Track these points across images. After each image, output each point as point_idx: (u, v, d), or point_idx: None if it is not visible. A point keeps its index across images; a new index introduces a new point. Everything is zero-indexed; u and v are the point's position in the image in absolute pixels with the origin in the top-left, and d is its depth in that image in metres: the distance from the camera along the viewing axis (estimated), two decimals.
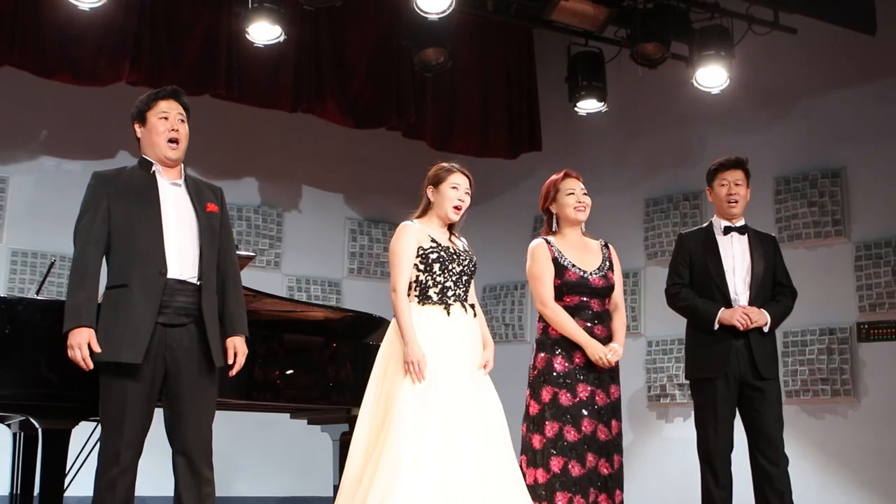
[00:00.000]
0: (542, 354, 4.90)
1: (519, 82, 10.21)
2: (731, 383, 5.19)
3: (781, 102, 9.00)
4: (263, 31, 7.72)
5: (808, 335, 8.42)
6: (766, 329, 5.24)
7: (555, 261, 4.94)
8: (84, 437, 4.56)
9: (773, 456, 5.15)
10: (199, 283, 4.14)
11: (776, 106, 9.03)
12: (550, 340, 4.89)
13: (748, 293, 5.28)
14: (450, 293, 4.49)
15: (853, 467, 8.12)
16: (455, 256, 4.54)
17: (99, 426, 4.56)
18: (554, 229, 5.10)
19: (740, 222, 5.44)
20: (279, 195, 10.10)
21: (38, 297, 4.73)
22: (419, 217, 4.67)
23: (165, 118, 4.23)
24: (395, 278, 4.49)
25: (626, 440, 9.12)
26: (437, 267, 4.49)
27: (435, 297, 4.49)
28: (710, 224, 5.51)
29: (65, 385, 4.16)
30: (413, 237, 4.53)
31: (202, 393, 4.14)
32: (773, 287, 5.39)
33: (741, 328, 5.16)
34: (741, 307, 5.21)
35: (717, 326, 5.21)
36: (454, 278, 4.52)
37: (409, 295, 4.50)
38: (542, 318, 4.98)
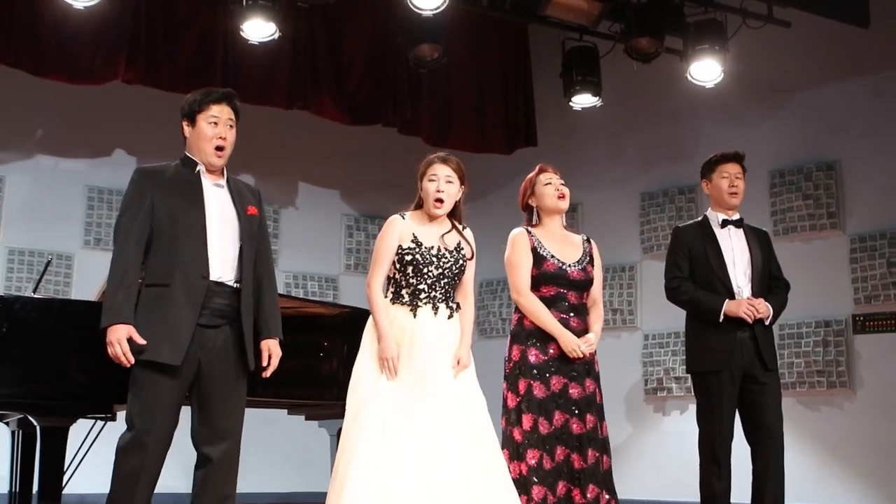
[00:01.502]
0: (517, 346, 4.87)
1: (514, 78, 10.22)
2: (736, 376, 5.18)
3: (776, 96, 9.02)
4: (258, 29, 7.72)
5: (803, 327, 8.45)
6: (768, 321, 5.26)
7: (534, 250, 4.90)
8: (82, 435, 4.57)
9: (773, 449, 5.16)
10: (235, 286, 4.15)
11: (771, 99, 9.05)
12: (525, 332, 4.86)
13: (750, 286, 5.29)
14: (422, 296, 4.43)
15: (849, 458, 8.14)
16: (435, 258, 4.46)
17: (96, 423, 4.58)
18: (535, 222, 5.06)
19: (736, 216, 5.45)
20: (275, 192, 10.11)
21: (35, 296, 4.74)
22: (414, 210, 4.61)
23: (215, 124, 4.21)
24: (371, 274, 4.47)
25: (622, 434, 9.24)
26: (410, 269, 4.43)
27: (406, 298, 4.44)
28: (706, 217, 5.51)
29: (62, 383, 4.18)
30: (395, 234, 4.47)
31: (233, 395, 4.15)
32: (769, 280, 5.41)
33: (749, 320, 5.16)
34: (747, 299, 5.21)
35: (722, 318, 5.21)
36: (429, 281, 4.44)
37: (386, 291, 4.49)
38: (517, 310, 4.94)
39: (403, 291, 4.44)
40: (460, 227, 4.61)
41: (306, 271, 10.28)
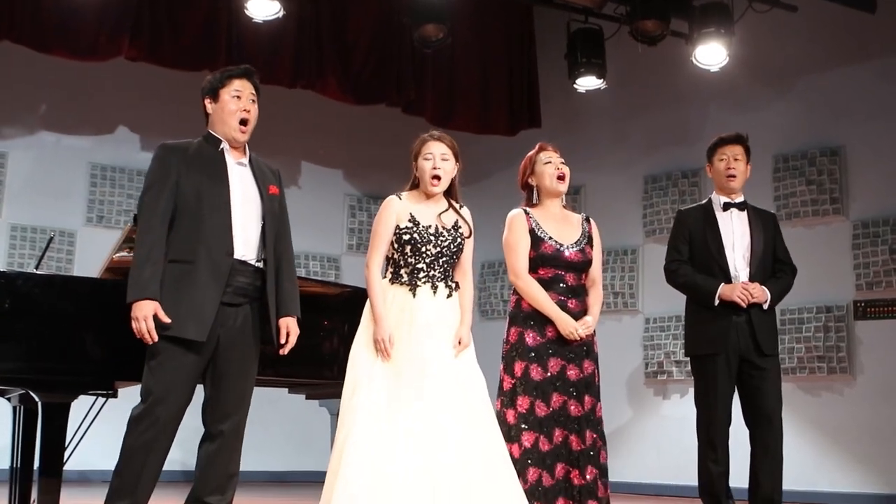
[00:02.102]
0: (515, 328, 4.85)
1: (518, 59, 10.20)
2: (732, 360, 5.19)
3: (781, 80, 9.00)
4: (263, 7, 7.71)
5: (805, 313, 8.45)
6: (765, 306, 5.25)
7: (531, 232, 4.87)
8: (84, 411, 4.58)
9: (771, 434, 5.17)
10: (257, 265, 4.16)
11: (776, 84, 9.02)
12: (523, 314, 4.84)
13: (748, 269, 5.27)
14: (421, 275, 4.41)
15: (849, 444, 8.17)
16: (433, 237, 4.43)
17: (98, 399, 4.58)
18: (534, 202, 5.03)
19: (740, 198, 5.42)
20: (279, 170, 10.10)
21: (38, 272, 4.74)
22: (410, 190, 4.57)
23: (238, 97, 4.18)
24: (370, 255, 4.45)
25: (623, 417, 9.27)
26: (408, 249, 4.41)
27: (405, 278, 4.42)
28: (710, 201, 5.50)
29: (64, 359, 4.18)
30: (392, 214, 4.44)
31: (247, 375, 4.17)
32: (773, 264, 5.39)
33: (742, 304, 5.16)
34: (742, 283, 5.20)
35: (717, 302, 5.21)
36: (427, 260, 4.42)
37: (385, 272, 4.48)
38: (515, 291, 4.93)
39: (402, 271, 4.43)
40: (457, 205, 4.60)
41: (308, 251, 10.30)
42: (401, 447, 4.08)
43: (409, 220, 4.42)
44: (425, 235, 4.41)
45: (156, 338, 3.88)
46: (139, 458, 3.91)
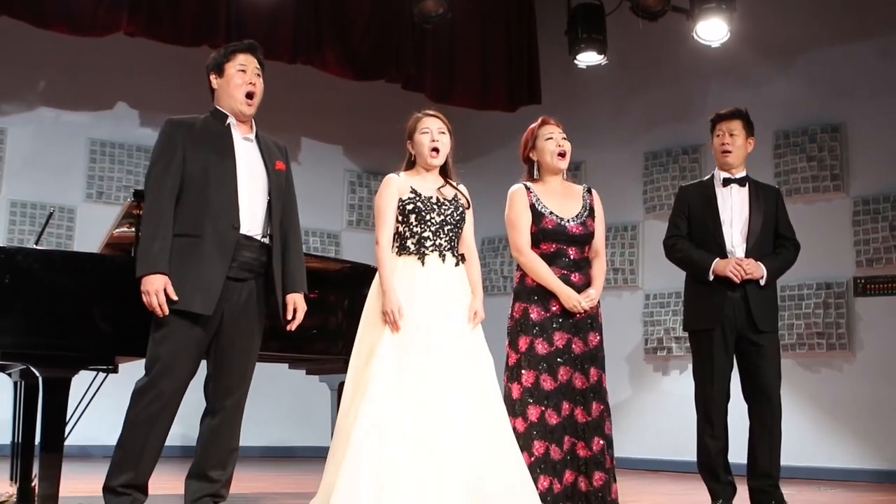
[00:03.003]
0: (519, 304, 4.87)
1: (518, 35, 10.16)
2: (728, 335, 5.20)
3: (782, 56, 8.97)
4: None
5: (804, 289, 8.46)
6: (762, 282, 5.24)
7: (532, 207, 4.87)
8: (84, 386, 4.59)
9: (769, 410, 5.18)
10: (263, 240, 4.16)
11: (777, 60, 9.00)
12: (527, 289, 4.86)
13: (745, 245, 5.27)
14: (428, 243, 4.44)
15: (848, 420, 8.19)
16: (436, 206, 4.48)
17: (98, 374, 4.59)
18: (535, 177, 5.04)
19: (741, 174, 5.41)
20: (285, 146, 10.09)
21: (38, 247, 4.74)
22: (406, 170, 4.60)
23: (243, 71, 4.20)
24: (378, 231, 4.47)
25: (623, 393, 9.29)
26: (412, 218, 4.45)
27: (412, 248, 4.45)
28: (712, 176, 5.49)
29: (64, 334, 4.18)
30: (394, 189, 4.48)
31: (249, 351, 4.19)
32: (774, 239, 5.37)
33: (735, 280, 5.16)
34: (735, 259, 5.21)
35: (711, 277, 5.21)
36: (433, 228, 4.45)
37: (392, 245, 4.49)
38: (518, 267, 4.95)
39: (409, 242, 4.45)
40: (454, 182, 4.63)
41: (308, 227, 10.28)
42: (408, 428, 4.09)
43: (411, 192, 4.47)
44: (428, 204, 4.46)
45: (167, 311, 3.89)
46: (142, 432, 3.92)
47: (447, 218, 4.48)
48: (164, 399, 3.92)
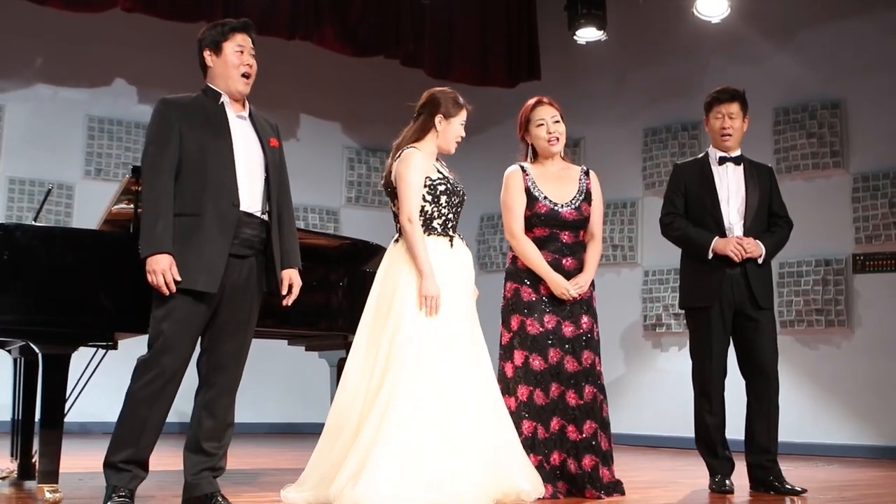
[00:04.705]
0: (511, 283, 4.88)
1: (518, 10, 10.12)
2: (726, 312, 5.21)
3: (782, 32, 8.94)
4: None
5: (803, 266, 8.47)
6: (760, 260, 5.25)
7: (527, 191, 4.87)
8: (84, 363, 4.59)
9: (766, 386, 5.19)
10: (262, 217, 4.17)
11: (777, 36, 8.97)
12: (518, 271, 4.87)
13: (742, 223, 5.28)
14: (450, 225, 4.47)
15: (846, 396, 8.21)
16: (456, 188, 4.51)
17: (98, 351, 4.60)
18: (532, 159, 5.03)
19: (736, 152, 5.41)
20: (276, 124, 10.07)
21: (37, 224, 4.74)
22: (416, 141, 4.55)
23: (241, 52, 4.19)
24: (410, 208, 4.38)
25: (620, 369, 9.32)
26: (443, 199, 4.43)
27: (439, 229, 4.44)
28: (706, 154, 5.49)
29: (64, 310, 4.19)
30: (422, 165, 4.44)
31: (246, 328, 4.19)
32: (768, 217, 5.39)
33: (736, 259, 5.17)
34: (735, 237, 5.21)
35: (710, 255, 5.22)
36: (455, 210, 4.49)
37: None
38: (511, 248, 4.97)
39: (436, 223, 4.44)
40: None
41: (307, 203, 10.29)
42: (434, 415, 4.11)
43: (438, 172, 4.47)
44: (452, 186, 4.48)
45: (174, 289, 3.90)
46: (143, 408, 3.92)
47: (461, 200, 4.55)
48: (166, 376, 3.92)
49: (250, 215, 4.11)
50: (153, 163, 4.01)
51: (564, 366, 4.74)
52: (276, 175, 4.24)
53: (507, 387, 4.67)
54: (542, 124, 4.91)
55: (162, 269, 3.88)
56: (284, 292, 4.25)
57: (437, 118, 4.53)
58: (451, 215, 4.47)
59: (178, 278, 3.90)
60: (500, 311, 4.89)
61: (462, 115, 4.58)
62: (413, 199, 4.39)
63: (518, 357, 4.73)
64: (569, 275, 4.81)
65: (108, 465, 3.93)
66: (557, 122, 4.93)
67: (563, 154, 5.03)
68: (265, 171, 4.20)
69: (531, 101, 5.01)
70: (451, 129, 4.54)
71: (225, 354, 4.13)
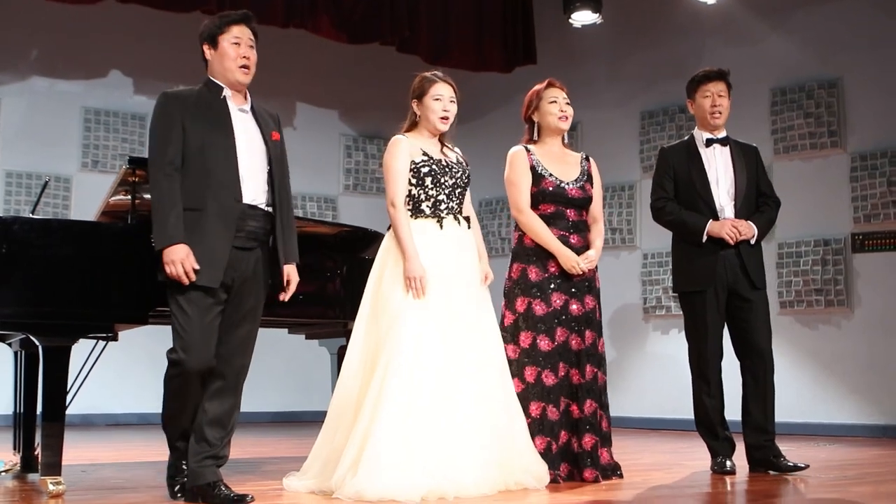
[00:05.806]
0: (517, 264, 4.90)
1: None
2: (720, 294, 5.22)
3: (777, 13, 8.92)
4: None
5: (802, 246, 8.46)
6: (752, 241, 5.26)
7: (532, 169, 4.90)
8: (84, 355, 4.60)
9: (762, 366, 5.21)
10: (267, 209, 4.19)
11: (773, 16, 8.95)
12: (525, 250, 4.89)
13: (733, 204, 5.29)
14: (442, 206, 4.48)
15: (845, 376, 8.22)
16: (447, 169, 4.51)
17: (98, 343, 4.61)
18: (535, 138, 5.06)
19: (722, 134, 5.43)
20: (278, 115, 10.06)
21: (34, 216, 4.74)
22: (408, 131, 4.61)
23: (237, 44, 4.19)
24: (393, 193, 4.45)
25: (620, 351, 9.33)
26: (429, 181, 4.47)
27: (428, 211, 4.47)
28: (692, 137, 5.51)
29: (63, 302, 4.19)
30: (405, 151, 4.49)
31: (254, 318, 4.23)
32: (756, 198, 5.40)
33: (731, 242, 5.18)
34: (730, 220, 5.22)
35: (705, 239, 5.23)
36: (447, 191, 4.50)
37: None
38: (517, 227, 4.97)
39: (423, 205, 4.47)
40: (449, 145, 4.65)
41: (305, 191, 10.28)
42: (431, 397, 4.14)
43: (423, 154, 4.48)
44: (441, 167, 4.49)
45: (193, 277, 3.94)
46: (179, 404, 4.09)
47: (458, 181, 4.55)
48: (188, 375, 4.01)
49: (254, 207, 4.14)
50: (158, 156, 4.04)
51: (570, 344, 4.77)
52: (278, 168, 4.27)
53: (511, 369, 4.69)
54: (555, 102, 4.99)
55: (180, 259, 3.93)
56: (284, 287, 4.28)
57: (413, 104, 4.61)
58: (441, 196, 4.49)
59: (197, 266, 3.93)
60: (504, 292, 4.91)
61: (434, 90, 4.56)
62: (395, 184, 4.46)
63: (525, 339, 4.76)
64: (576, 252, 4.84)
65: (167, 443, 4.18)
66: (568, 103, 5.02)
67: (564, 140, 5.07)
68: (268, 164, 4.22)
69: (543, 83, 5.08)
70: (427, 108, 4.57)
71: (232, 345, 4.15)
